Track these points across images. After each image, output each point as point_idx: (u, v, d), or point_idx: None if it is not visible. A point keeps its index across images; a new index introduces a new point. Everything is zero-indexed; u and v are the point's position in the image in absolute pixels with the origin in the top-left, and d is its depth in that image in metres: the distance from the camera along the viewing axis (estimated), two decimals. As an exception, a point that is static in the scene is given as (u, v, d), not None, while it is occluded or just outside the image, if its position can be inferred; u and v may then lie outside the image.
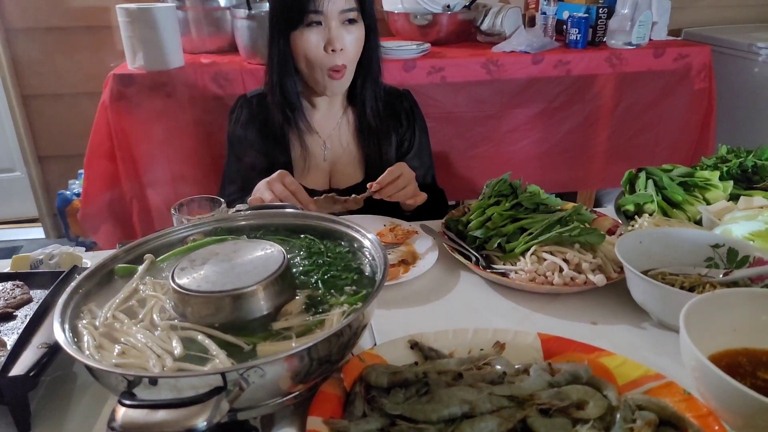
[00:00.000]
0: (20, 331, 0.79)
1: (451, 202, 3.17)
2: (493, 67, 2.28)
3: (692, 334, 0.71)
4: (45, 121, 2.87)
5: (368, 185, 1.18)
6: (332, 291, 0.72)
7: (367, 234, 0.80)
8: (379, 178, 1.18)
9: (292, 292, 0.71)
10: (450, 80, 2.27)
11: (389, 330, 0.86)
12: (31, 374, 0.70)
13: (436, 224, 1.20)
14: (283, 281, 0.69)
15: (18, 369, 0.71)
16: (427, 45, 2.33)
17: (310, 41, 1.24)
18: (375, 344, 0.82)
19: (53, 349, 0.75)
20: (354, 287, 0.73)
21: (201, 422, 0.48)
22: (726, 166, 1.21)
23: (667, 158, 2.54)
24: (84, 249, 1.10)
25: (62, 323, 0.63)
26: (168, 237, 0.84)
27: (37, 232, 3.14)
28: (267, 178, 1.15)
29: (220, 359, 0.59)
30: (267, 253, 0.71)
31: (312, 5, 1.20)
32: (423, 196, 1.24)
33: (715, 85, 2.40)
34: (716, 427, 0.64)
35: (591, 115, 2.41)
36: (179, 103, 2.13)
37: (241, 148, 1.38)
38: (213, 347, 0.61)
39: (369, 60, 1.32)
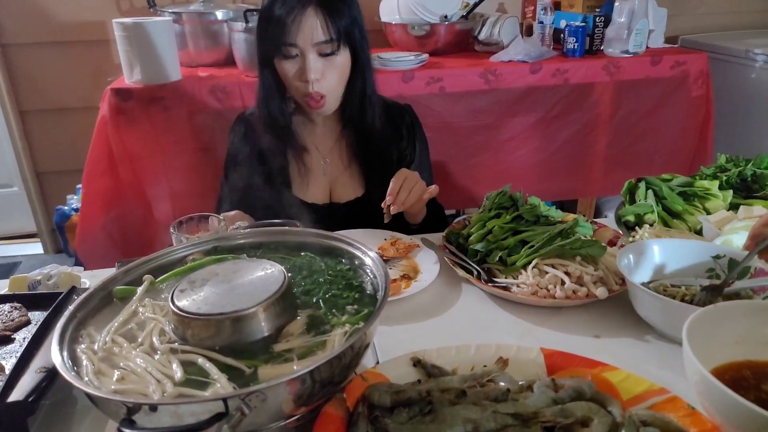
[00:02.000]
0: (19, 354, 0.78)
1: (451, 212, 3.18)
2: (491, 77, 2.29)
3: (695, 347, 0.70)
4: (43, 136, 2.87)
5: (383, 204, 1.18)
6: (334, 310, 0.71)
7: (368, 251, 0.79)
8: (388, 190, 1.17)
9: (293, 312, 0.71)
10: (449, 90, 2.27)
11: (392, 346, 0.85)
12: (30, 399, 0.70)
13: (437, 237, 1.20)
14: (284, 302, 0.69)
15: (17, 394, 0.70)
16: (425, 55, 2.34)
17: (287, 70, 1.25)
18: (377, 362, 0.81)
19: (52, 373, 0.74)
20: (356, 306, 0.72)
21: (202, 450, 0.47)
22: (725, 176, 1.21)
23: (666, 165, 2.55)
24: (83, 268, 1.09)
25: (61, 349, 0.62)
26: (167, 257, 0.84)
27: (35, 248, 3.14)
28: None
29: (221, 383, 0.58)
30: (267, 274, 0.71)
31: (285, 38, 1.20)
32: (435, 188, 1.22)
33: (712, 92, 2.40)
34: (722, 443, 0.64)
35: (589, 124, 2.42)
36: (178, 117, 2.13)
37: (239, 166, 1.37)
38: (214, 371, 0.60)
39: (362, 83, 1.32)
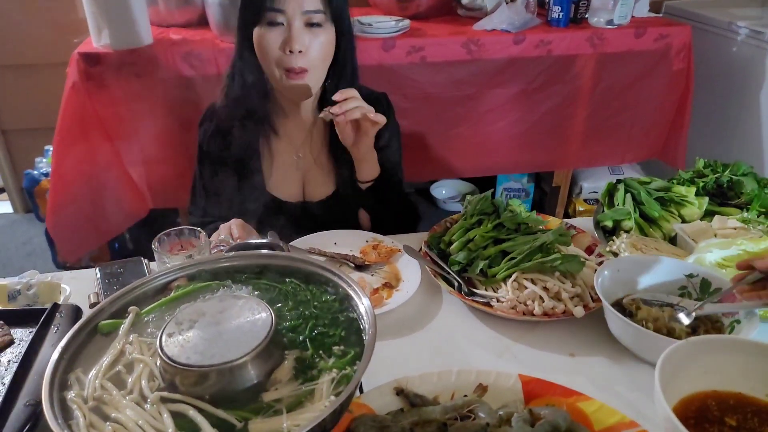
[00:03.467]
0: (6, 383, 0.78)
1: (429, 182, 3.19)
2: (473, 47, 2.24)
3: (665, 381, 0.74)
4: (8, 93, 2.75)
5: (327, 108, 1.18)
6: (321, 352, 0.72)
7: (353, 285, 0.80)
8: (336, 95, 1.16)
9: (280, 354, 0.72)
10: (430, 60, 2.23)
11: (374, 365, 0.87)
12: (20, 437, 0.71)
13: (418, 241, 1.21)
14: (272, 346, 0.70)
15: (8, 430, 0.71)
16: (407, 21, 2.27)
17: (268, 40, 1.19)
18: (361, 389, 0.83)
19: (40, 407, 0.75)
20: (342, 347, 0.73)
21: None
22: (702, 181, 1.24)
23: (643, 138, 2.58)
24: (63, 275, 1.08)
25: (51, 403, 0.63)
26: (152, 283, 0.83)
27: (5, 206, 3.07)
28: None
29: (212, 441, 0.60)
30: (255, 318, 0.71)
31: (272, 3, 1.15)
32: (382, 118, 1.21)
33: (693, 66, 2.40)
34: (686, 482, 0.68)
35: (570, 96, 2.41)
36: (150, 84, 2.06)
37: (212, 162, 1.34)
38: (205, 425, 0.62)
39: (341, 66, 1.28)
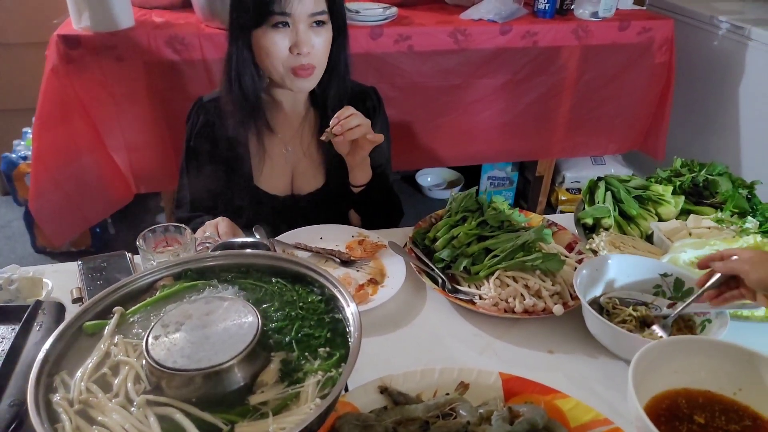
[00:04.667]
0: (-11, 385, 0.78)
1: (415, 169, 3.20)
2: (460, 37, 2.24)
3: (638, 378, 0.77)
4: (-19, 72, 2.69)
5: (327, 130, 1.19)
6: (306, 353, 0.74)
7: (339, 287, 0.81)
8: (337, 113, 1.18)
9: (266, 356, 0.73)
10: (417, 49, 2.22)
11: (358, 365, 0.89)
12: (5, 437, 0.71)
13: (403, 236, 1.22)
14: (258, 348, 0.71)
15: (-9, 432, 0.71)
16: (394, 9, 2.26)
17: (274, 42, 1.18)
18: (346, 390, 0.85)
19: (24, 406, 0.75)
20: (327, 349, 0.75)
21: None
22: (679, 180, 1.26)
23: (625, 130, 2.62)
24: (44, 270, 1.07)
25: (37, 407, 0.63)
26: (137, 282, 0.84)
27: (-19, 188, 3.01)
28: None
29: (200, 444, 0.61)
30: (241, 321, 0.72)
31: (278, 6, 1.14)
32: (381, 136, 1.22)
33: (675, 59, 2.43)
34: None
35: (554, 87, 2.43)
36: (132, 68, 2.02)
37: (200, 156, 1.33)
38: (192, 429, 0.63)
39: (336, 61, 1.28)
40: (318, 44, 1.20)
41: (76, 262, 1.09)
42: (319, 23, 1.19)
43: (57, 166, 1.95)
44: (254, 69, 1.25)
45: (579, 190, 2.94)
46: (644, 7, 2.72)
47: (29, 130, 2.63)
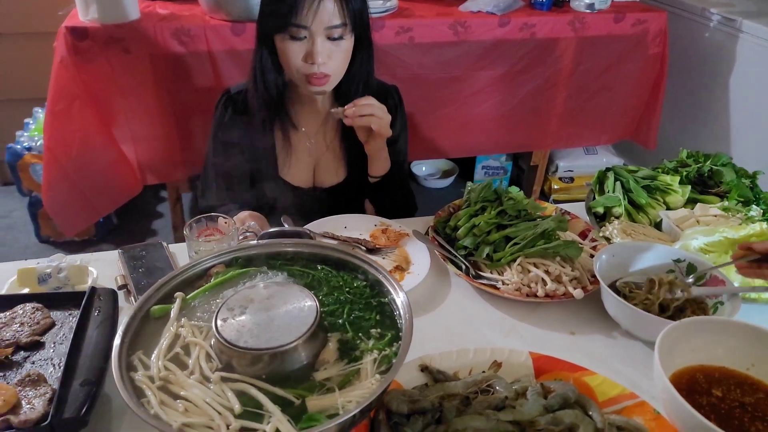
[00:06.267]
0: (61, 365, 0.83)
1: (416, 162, 3.25)
2: (460, 29, 2.29)
3: (662, 355, 0.84)
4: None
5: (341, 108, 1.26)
6: (360, 334, 0.80)
7: (382, 272, 0.87)
8: (355, 100, 1.25)
9: (324, 337, 0.79)
10: (418, 41, 2.27)
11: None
12: (82, 414, 0.76)
13: (421, 226, 1.28)
14: (318, 330, 0.77)
15: (70, 409, 0.76)
16: (395, 1, 2.30)
17: (290, 50, 1.22)
18: (390, 367, 0.91)
19: (96, 385, 0.80)
20: (378, 330, 0.81)
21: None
22: (685, 171, 1.34)
23: (619, 120, 2.70)
24: (90, 258, 1.11)
25: (124, 383, 0.68)
26: (191, 270, 0.89)
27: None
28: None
29: (276, 416, 0.67)
30: (302, 305, 0.78)
31: (295, 19, 1.17)
32: (387, 131, 1.29)
33: (668, 51, 2.51)
34: (681, 447, 0.79)
35: (551, 79, 2.49)
36: (139, 60, 2.04)
37: (226, 147, 1.37)
38: (267, 402, 0.69)
39: (359, 67, 1.32)
40: (334, 56, 1.24)
41: (116, 251, 1.13)
42: (338, 36, 1.22)
43: (68, 158, 1.97)
44: (276, 68, 1.29)
45: (572, 179, 3.02)
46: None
47: (31, 121, 2.62)
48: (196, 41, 2.06)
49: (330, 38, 1.21)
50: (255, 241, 0.94)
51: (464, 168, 3.25)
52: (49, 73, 1.93)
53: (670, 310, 1.00)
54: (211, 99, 1.50)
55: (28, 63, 2.65)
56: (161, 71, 2.07)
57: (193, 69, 2.09)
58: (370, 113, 1.24)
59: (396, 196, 1.43)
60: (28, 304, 0.94)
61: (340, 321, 0.82)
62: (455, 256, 1.18)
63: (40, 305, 0.95)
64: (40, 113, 2.63)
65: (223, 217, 1.05)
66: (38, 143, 2.47)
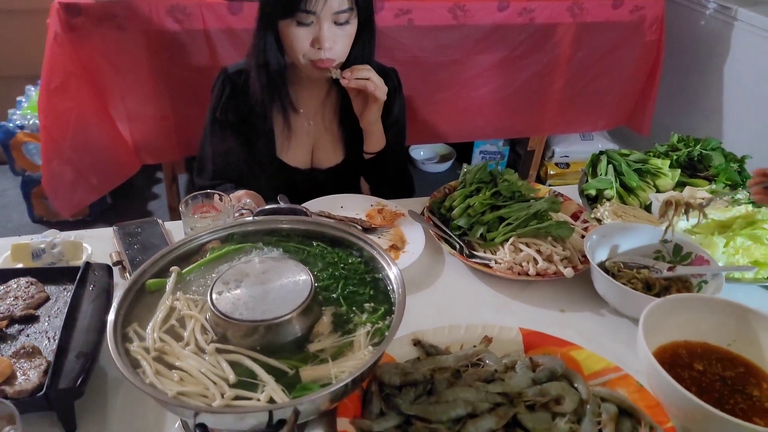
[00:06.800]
0: (55, 338, 0.84)
1: (414, 146, 3.26)
2: (459, 12, 2.29)
3: (647, 330, 0.86)
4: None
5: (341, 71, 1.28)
6: (354, 308, 0.81)
7: (376, 248, 0.88)
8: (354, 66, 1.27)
9: (318, 310, 0.80)
10: (417, 24, 2.26)
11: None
12: (78, 384, 0.78)
13: (416, 206, 1.30)
14: (313, 303, 0.78)
15: (65, 380, 0.77)
16: (394, -17, 2.28)
17: (297, 36, 1.22)
18: (383, 342, 0.92)
19: (91, 357, 0.82)
20: (372, 304, 0.82)
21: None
22: (675, 155, 1.36)
23: (615, 106, 2.71)
24: (82, 233, 1.12)
25: (119, 352, 0.69)
26: (187, 246, 0.90)
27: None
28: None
29: (270, 386, 0.69)
30: (296, 279, 0.79)
31: (304, 5, 1.17)
32: (382, 95, 1.31)
33: (664, 37, 2.52)
34: (663, 418, 0.81)
35: (549, 64, 2.49)
36: (133, 37, 2.02)
37: (224, 126, 1.37)
38: (261, 373, 0.70)
39: (361, 49, 1.32)
40: (340, 40, 1.24)
41: (111, 228, 1.14)
42: (344, 21, 1.22)
43: (64, 137, 1.96)
44: (279, 52, 1.29)
45: (568, 164, 3.04)
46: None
47: (24, 99, 2.61)
48: (191, 19, 2.04)
49: (336, 23, 1.22)
50: (251, 218, 0.95)
51: (462, 152, 3.25)
52: (41, 50, 1.91)
53: (657, 288, 1.02)
54: (208, 78, 1.50)
55: (19, 40, 2.63)
56: (156, 49, 2.06)
57: (188, 47, 2.08)
58: (366, 77, 1.25)
59: (392, 176, 1.44)
60: (22, 278, 0.95)
61: (335, 296, 0.83)
62: (450, 236, 1.20)
63: (35, 279, 0.95)
64: (32, 91, 2.61)
65: (219, 195, 1.06)
66: (31, 122, 2.46)
